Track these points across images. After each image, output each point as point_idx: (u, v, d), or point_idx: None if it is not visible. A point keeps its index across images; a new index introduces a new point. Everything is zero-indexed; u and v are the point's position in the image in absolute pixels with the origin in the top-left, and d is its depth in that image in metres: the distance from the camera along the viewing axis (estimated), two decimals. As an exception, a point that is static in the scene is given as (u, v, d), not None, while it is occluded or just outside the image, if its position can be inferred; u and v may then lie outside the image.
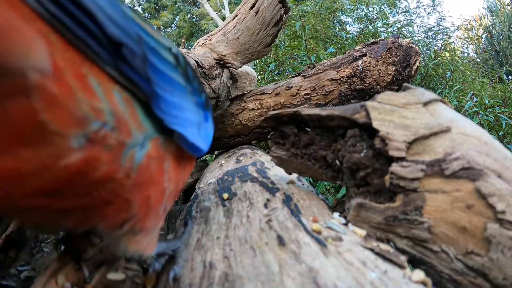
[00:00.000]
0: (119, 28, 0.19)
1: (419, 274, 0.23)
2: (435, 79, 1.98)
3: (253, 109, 0.93)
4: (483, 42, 4.38)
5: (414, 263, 0.29)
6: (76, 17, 0.16)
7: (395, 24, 2.50)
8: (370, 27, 2.44)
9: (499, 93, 1.84)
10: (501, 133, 1.32)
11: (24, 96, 0.14)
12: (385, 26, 2.41)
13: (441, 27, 2.88)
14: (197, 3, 7.11)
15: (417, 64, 0.80)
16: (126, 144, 0.18)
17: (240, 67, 0.93)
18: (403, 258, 0.25)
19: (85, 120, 0.16)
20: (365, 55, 0.84)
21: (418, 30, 2.87)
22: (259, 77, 1.83)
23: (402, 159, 0.28)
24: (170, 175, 0.24)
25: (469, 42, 4.11)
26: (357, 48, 0.88)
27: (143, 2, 8.35)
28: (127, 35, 0.19)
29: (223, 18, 5.15)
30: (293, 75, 0.93)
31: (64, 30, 0.16)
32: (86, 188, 0.17)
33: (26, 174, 0.15)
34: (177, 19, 7.69)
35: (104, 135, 0.17)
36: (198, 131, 0.26)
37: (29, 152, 0.15)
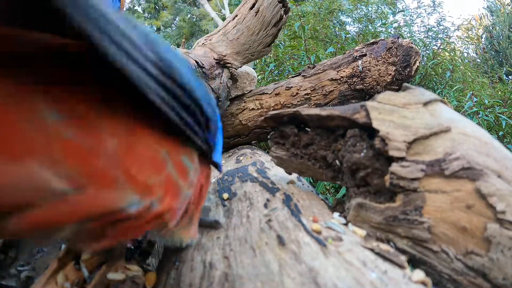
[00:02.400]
0: (209, 106, 0.22)
1: (419, 274, 0.23)
2: (434, 79, 1.98)
3: (253, 109, 0.93)
4: (483, 42, 4.38)
5: (414, 263, 0.29)
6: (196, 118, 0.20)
7: (392, 24, 2.50)
8: (370, 27, 2.44)
9: (499, 93, 1.84)
10: (501, 133, 1.31)
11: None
12: (384, 26, 2.41)
13: (441, 27, 2.87)
14: (197, 4, 7.11)
15: (417, 64, 0.80)
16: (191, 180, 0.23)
17: (240, 67, 0.93)
18: (403, 258, 0.25)
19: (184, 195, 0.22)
20: (365, 55, 0.84)
21: (418, 30, 2.87)
22: (259, 77, 1.83)
23: (402, 159, 0.28)
24: (206, 185, 0.28)
25: (469, 42, 4.11)
26: (357, 48, 0.88)
27: (143, 2, 8.34)
28: (211, 109, 0.23)
29: (223, 18, 5.15)
30: (293, 75, 0.93)
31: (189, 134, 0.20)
32: None
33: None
34: (177, 19, 7.69)
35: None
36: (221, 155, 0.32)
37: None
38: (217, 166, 0.29)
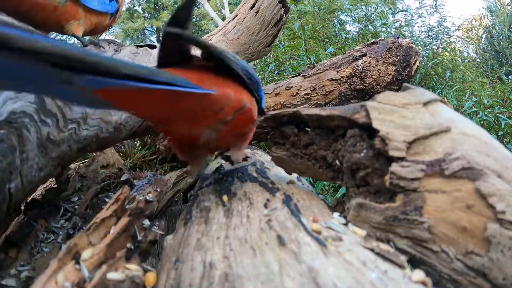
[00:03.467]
0: (256, 77, 0.43)
1: (419, 274, 0.23)
2: (434, 79, 1.98)
3: (253, 109, 0.93)
4: (483, 42, 4.38)
5: (414, 263, 0.29)
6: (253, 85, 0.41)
7: (393, 23, 2.50)
8: (370, 27, 2.44)
9: (499, 93, 1.84)
10: (500, 133, 1.32)
11: (245, 112, 0.38)
12: (384, 26, 2.41)
13: (442, 27, 2.87)
14: (197, 3, 7.11)
15: (417, 64, 0.80)
16: (254, 109, 0.43)
17: (240, 67, 0.93)
18: (403, 258, 0.25)
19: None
20: (365, 55, 0.84)
21: (419, 30, 2.87)
22: (259, 77, 1.83)
23: (402, 159, 0.28)
24: (252, 118, 0.45)
25: (469, 42, 4.11)
26: (357, 48, 0.88)
27: (143, 2, 8.33)
28: (256, 78, 0.43)
29: (223, 18, 5.14)
30: (293, 75, 0.93)
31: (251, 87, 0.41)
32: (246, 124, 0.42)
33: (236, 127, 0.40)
34: (177, 19, 7.67)
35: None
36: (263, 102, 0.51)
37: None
38: (263, 111, 0.47)
